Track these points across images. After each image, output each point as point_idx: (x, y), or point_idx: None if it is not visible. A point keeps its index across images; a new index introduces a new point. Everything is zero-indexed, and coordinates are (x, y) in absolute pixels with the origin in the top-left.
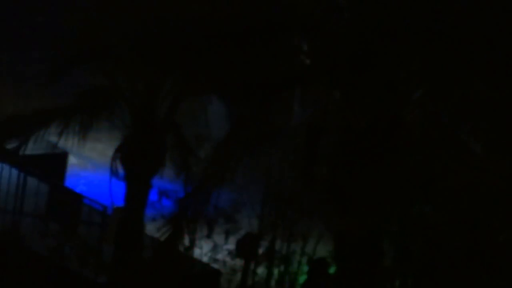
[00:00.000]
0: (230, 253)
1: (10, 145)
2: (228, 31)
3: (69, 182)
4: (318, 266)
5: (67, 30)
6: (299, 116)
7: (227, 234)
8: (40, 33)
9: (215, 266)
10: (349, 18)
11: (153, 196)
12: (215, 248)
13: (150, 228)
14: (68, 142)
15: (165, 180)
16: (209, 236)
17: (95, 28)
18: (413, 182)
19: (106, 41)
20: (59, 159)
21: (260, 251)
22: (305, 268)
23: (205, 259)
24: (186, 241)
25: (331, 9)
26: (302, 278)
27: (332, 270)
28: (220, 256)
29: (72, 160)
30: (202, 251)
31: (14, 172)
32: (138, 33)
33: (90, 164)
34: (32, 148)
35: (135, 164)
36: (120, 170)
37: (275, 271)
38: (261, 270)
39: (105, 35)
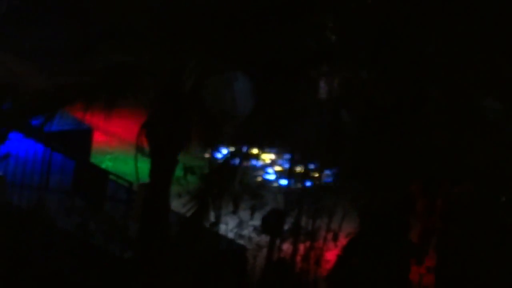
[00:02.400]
0: (255, 229)
1: (36, 122)
2: (254, 6)
3: (94, 158)
4: (351, 246)
5: (94, 6)
6: (325, 92)
7: (253, 210)
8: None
9: (241, 242)
10: None
11: (178, 172)
12: (240, 224)
13: (176, 205)
14: (93, 118)
15: (191, 156)
16: (234, 212)
17: (121, 4)
18: (439, 159)
19: (132, 17)
20: (84, 135)
21: (286, 227)
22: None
23: (230, 235)
24: (212, 217)
25: None
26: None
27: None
28: (245, 232)
29: (97, 136)
30: (227, 227)
31: (40, 148)
32: (164, 9)
33: (116, 140)
34: (57, 124)
35: (160, 140)
36: (146, 146)
37: (301, 247)
38: (286, 246)
39: (131, 12)
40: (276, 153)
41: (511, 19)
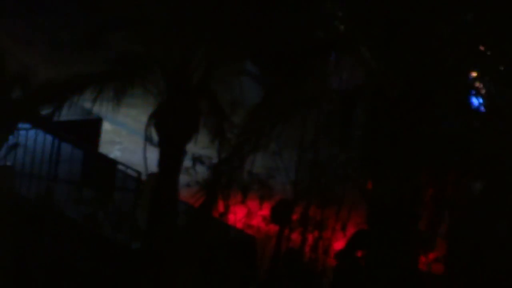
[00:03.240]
0: (264, 219)
1: (45, 111)
2: None
3: (103, 148)
4: (358, 237)
5: None
6: (333, 82)
7: (262, 200)
8: None
9: (250, 232)
10: None
11: (187, 162)
12: (249, 214)
13: (185, 194)
14: (102, 108)
15: (199, 146)
16: (243, 202)
17: None
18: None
19: (141, 7)
20: (93, 125)
21: (295, 217)
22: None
23: (239, 225)
24: (221, 207)
25: None
26: (336, 244)
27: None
28: (254, 222)
29: (106, 126)
30: (236, 217)
31: (49, 138)
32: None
33: (124, 130)
34: (66, 114)
35: (169, 130)
36: (154, 136)
37: (310, 237)
38: (295, 236)
39: (140, 1)
40: (284, 143)
41: None
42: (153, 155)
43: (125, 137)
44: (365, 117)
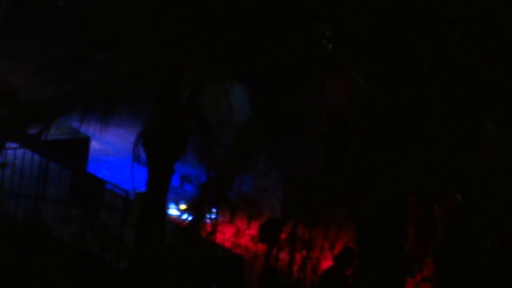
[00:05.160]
0: (252, 238)
1: (33, 130)
2: (250, 15)
3: (91, 167)
4: (344, 255)
5: (91, 14)
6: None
7: (250, 219)
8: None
9: (238, 251)
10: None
11: (175, 181)
12: (237, 233)
13: (172, 213)
14: (90, 127)
15: (188, 165)
16: (231, 221)
17: (118, 13)
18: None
19: (129, 26)
20: (81, 144)
21: (283, 236)
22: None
23: (227, 244)
24: (209, 226)
25: None
26: (325, 264)
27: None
28: (242, 242)
29: (94, 145)
30: (224, 236)
31: (37, 157)
32: (161, 18)
33: (112, 149)
34: (54, 133)
35: (157, 149)
36: (142, 155)
37: (298, 257)
38: (283, 255)
39: (128, 20)
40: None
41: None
42: (141, 174)
43: (113, 156)
44: (353, 135)
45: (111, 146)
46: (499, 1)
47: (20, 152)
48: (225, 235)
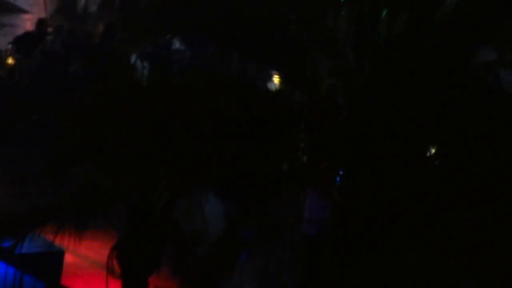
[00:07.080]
0: None
1: (6, 244)
2: (224, 128)
3: (64, 280)
4: None
5: (64, 127)
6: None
7: None
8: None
9: None
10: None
11: None
12: None
13: None
14: (64, 241)
15: (163, 278)
16: None
17: (91, 125)
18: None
19: (102, 138)
20: (55, 258)
21: None
22: None
23: None
24: None
25: (328, 108)
26: None
27: None
28: None
29: (68, 258)
30: None
31: (10, 270)
32: (134, 130)
33: (87, 262)
34: (28, 246)
35: (132, 262)
36: (117, 268)
37: None
38: None
39: (102, 133)
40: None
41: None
42: (115, 287)
43: (87, 270)
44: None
45: (85, 259)
46: None
47: None
48: None
